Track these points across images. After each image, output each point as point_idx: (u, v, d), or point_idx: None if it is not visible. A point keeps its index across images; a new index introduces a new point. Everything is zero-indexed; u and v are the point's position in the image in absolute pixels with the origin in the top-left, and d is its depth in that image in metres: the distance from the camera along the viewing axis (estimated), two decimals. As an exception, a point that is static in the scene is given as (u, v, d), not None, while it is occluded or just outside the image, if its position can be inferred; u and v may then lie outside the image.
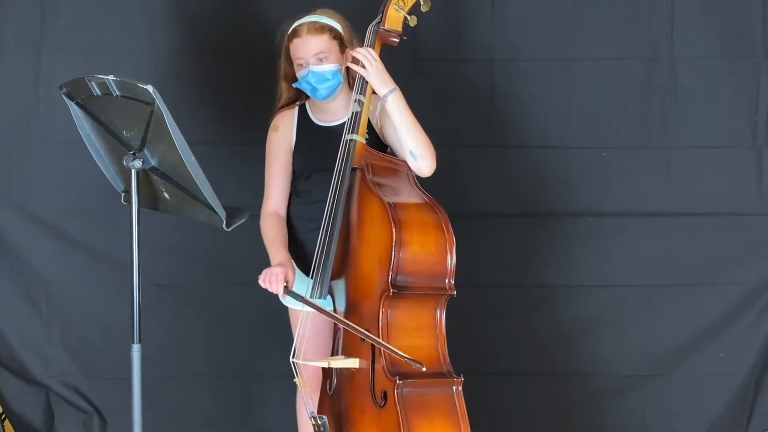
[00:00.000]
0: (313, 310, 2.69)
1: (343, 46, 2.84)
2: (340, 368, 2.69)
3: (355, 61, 2.74)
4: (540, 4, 3.51)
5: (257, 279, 2.72)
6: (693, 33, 3.49)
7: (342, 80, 2.85)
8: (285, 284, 2.69)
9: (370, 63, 2.70)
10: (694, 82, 3.50)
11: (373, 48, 2.75)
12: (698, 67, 3.50)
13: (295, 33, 2.82)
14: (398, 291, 2.51)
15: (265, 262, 2.80)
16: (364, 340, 2.59)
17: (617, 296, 3.54)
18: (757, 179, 3.50)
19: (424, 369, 2.46)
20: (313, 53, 2.79)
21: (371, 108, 2.78)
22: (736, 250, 3.50)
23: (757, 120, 3.49)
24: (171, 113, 2.38)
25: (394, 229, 2.51)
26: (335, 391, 2.76)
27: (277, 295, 2.77)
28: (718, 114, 3.51)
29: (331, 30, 2.82)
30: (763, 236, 3.50)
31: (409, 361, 2.47)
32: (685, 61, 3.50)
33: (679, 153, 3.51)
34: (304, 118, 2.92)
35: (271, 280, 2.69)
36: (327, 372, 2.80)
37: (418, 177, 2.73)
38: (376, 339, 2.54)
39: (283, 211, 2.91)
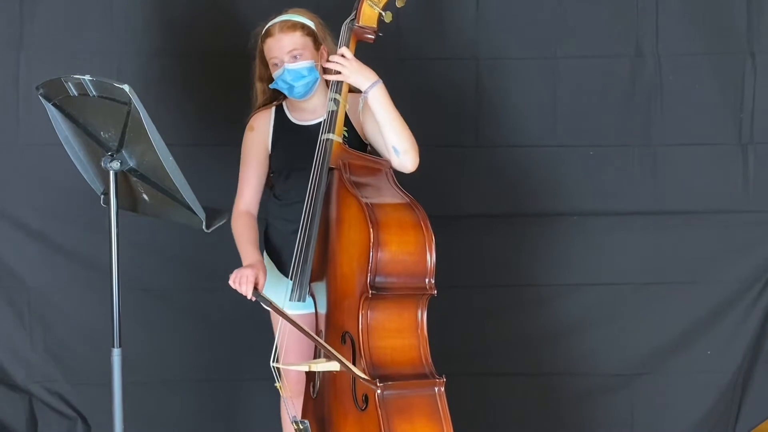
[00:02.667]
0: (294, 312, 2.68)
1: (317, 43, 2.82)
2: (323, 371, 2.66)
3: (331, 71, 2.70)
4: (525, 1, 3.49)
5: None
6: (678, 30, 3.48)
7: (318, 77, 2.82)
8: (255, 286, 2.66)
9: (342, 66, 2.68)
10: (679, 79, 3.49)
11: (348, 46, 2.72)
12: (683, 64, 3.48)
13: (268, 33, 2.80)
14: (377, 292, 2.48)
15: (247, 266, 2.77)
16: (344, 342, 2.57)
17: (604, 295, 3.53)
18: (743, 176, 3.49)
19: (378, 391, 2.43)
20: (286, 51, 2.77)
21: (348, 106, 2.76)
22: (722, 247, 3.50)
23: (742, 117, 3.48)
24: (150, 115, 2.35)
25: (371, 230, 2.47)
26: (318, 394, 2.74)
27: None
28: (704, 111, 3.50)
29: (304, 27, 2.80)
30: (749, 234, 3.49)
31: (365, 381, 2.45)
32: (670, 59, 3.48)
33: (665, 150, 3.50)
34: (281, 118, 2.90)
35: (241, 282, 2.66)
36: (310, 375, 2.78)
37: (399, 175, 2.70)
38: (333, 351, 2.53)
39: (255, 211, 2.89)
